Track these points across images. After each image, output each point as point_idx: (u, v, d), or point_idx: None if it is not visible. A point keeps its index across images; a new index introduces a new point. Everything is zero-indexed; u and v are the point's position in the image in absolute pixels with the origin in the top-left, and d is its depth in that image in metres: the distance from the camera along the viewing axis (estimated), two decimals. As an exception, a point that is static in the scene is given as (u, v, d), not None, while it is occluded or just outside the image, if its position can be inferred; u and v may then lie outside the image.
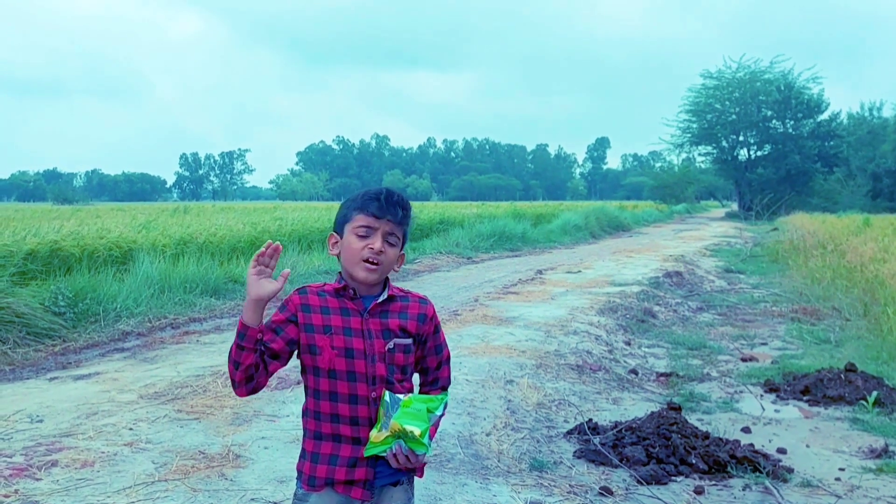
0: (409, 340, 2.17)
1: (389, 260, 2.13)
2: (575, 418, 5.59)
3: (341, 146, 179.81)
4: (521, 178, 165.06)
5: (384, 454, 2.06)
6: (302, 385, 2.20)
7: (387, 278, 2.21)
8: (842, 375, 6.47)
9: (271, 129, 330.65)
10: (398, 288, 2.24)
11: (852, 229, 21.69)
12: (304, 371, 2.16)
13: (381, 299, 2.15)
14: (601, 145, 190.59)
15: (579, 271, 14.82)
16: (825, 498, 4.27)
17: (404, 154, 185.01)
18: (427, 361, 2.26)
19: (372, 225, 2.11)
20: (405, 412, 2.03)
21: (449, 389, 2.34)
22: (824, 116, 55.90)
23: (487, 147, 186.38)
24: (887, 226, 22.81)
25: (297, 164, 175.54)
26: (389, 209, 2.12)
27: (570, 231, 26.37)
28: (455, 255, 17.74)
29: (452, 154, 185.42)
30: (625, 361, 7.70)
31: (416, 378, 2.28)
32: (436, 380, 2.28)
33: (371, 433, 2.07)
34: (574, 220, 28.04)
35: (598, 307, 10.10)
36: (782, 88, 54.70)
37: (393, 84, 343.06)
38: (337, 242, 2.18)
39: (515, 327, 8.49)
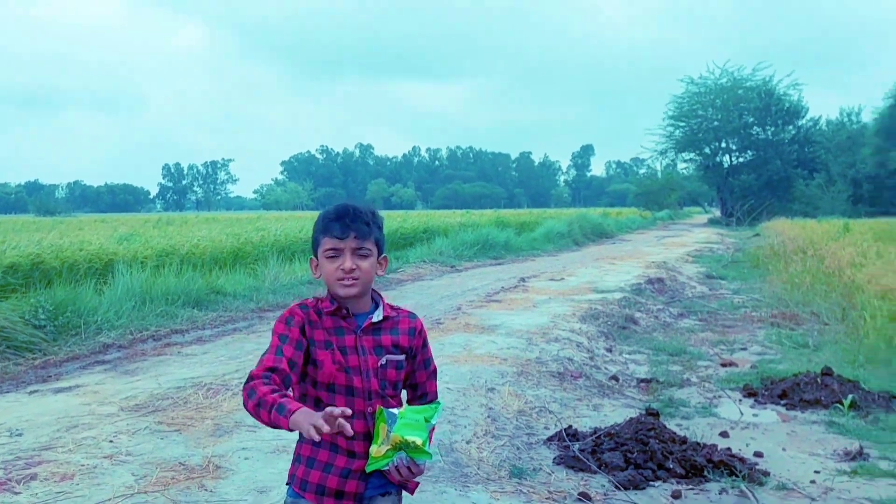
0: (402, 357, 2.23)
1: (366, 272, 2.16)
2: (555, 425, 5.62)
3: (325, 155, 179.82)
4: (506, 186, 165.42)
5: (386, 468, 2.10)
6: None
7: (379, 295, 2.26)
8: (818, 379, 6.55)
9: (255, 139, 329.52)
10: (390, 306, 2.28)
11: (832, 234, 21.89)
12: (303, 378, 2.18)
13: (375, 319, 2.21)
14: (585, 153, 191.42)
15: (562, 279, 14.89)
16: (800, 500, 4.33)
17: (388, 163, 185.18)
18: (416, 376, 2.32)
19: (338, 246, 2.15)
20: (404, 424, 2.08)
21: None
22: (804, 122, 56.49)
23: (472, 155, 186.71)
24: (866, 231, 23.04)
25: (281, 173, 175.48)
26: (352, 226, 2.15)
27: (554, 238, 26.47)
28: (439, 264, 17.77)
29: (437, 162, 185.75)
30: (606, 368, 7.76)
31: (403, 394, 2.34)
32: (424, 394, 2.34)
33: (371, 449, 2.11)
34: (557, 227, 28.15)
35: (580, 314, 10.16)
36: (763, 95, 55.22)
37: (378, 93, 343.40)
38: (317, 265, 2.23)
39: (498, 335, 8.54)
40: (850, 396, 6.06)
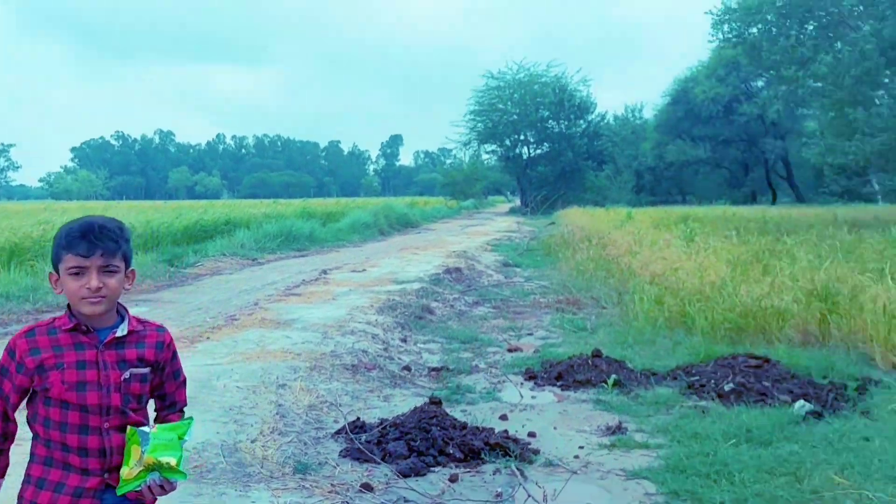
0: (147, 370, 2.22)
1: (112, 289, 2.12)
2: (345, 418, 5.72)
3: (121, 142, 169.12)
4: (315, 175, 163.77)
5: (138, 489, 2.08)
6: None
7: (125, 309, 2.23)
8: (589, 360, 7.13)
9: (41, 123, 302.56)
10: (137, 319, 2.25)
11: (617, 223, 23.64)
12: (34, 397, 2.14)
13: (119, 334, 2.17)
14: (394, 142, 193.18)
15: (364, 270, 15.05)
16: (563, 475, 4.72)
17: (191, 150, 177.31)
18: (165, 387, 2.32)
19: (82, 264, 2.09)
20: (157, 444, 2.07)
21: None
22: (593, 117, 60.68)
23: (280, 143, 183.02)
24: (646, 219, 25.15)
25: (71, 160, 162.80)
26: (99, 244, 2.09)
27: (360, 229, 26.64)
28: (240, 257, 17.38)
29: (243, 150, 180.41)
30: (399, 358, 7.97)
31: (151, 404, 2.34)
32: (173, 403, 2.36)
33: (122, 471, 2.08)
34: (363, 218, 28.35)
35: (377, 306, 10.34)
36: (557, 91, 58.55)
37: (179, 77, 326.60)
38: (58, 280, 2.14)
39: (293, 330, 8.52)
40: (612, 376, 6.64)
